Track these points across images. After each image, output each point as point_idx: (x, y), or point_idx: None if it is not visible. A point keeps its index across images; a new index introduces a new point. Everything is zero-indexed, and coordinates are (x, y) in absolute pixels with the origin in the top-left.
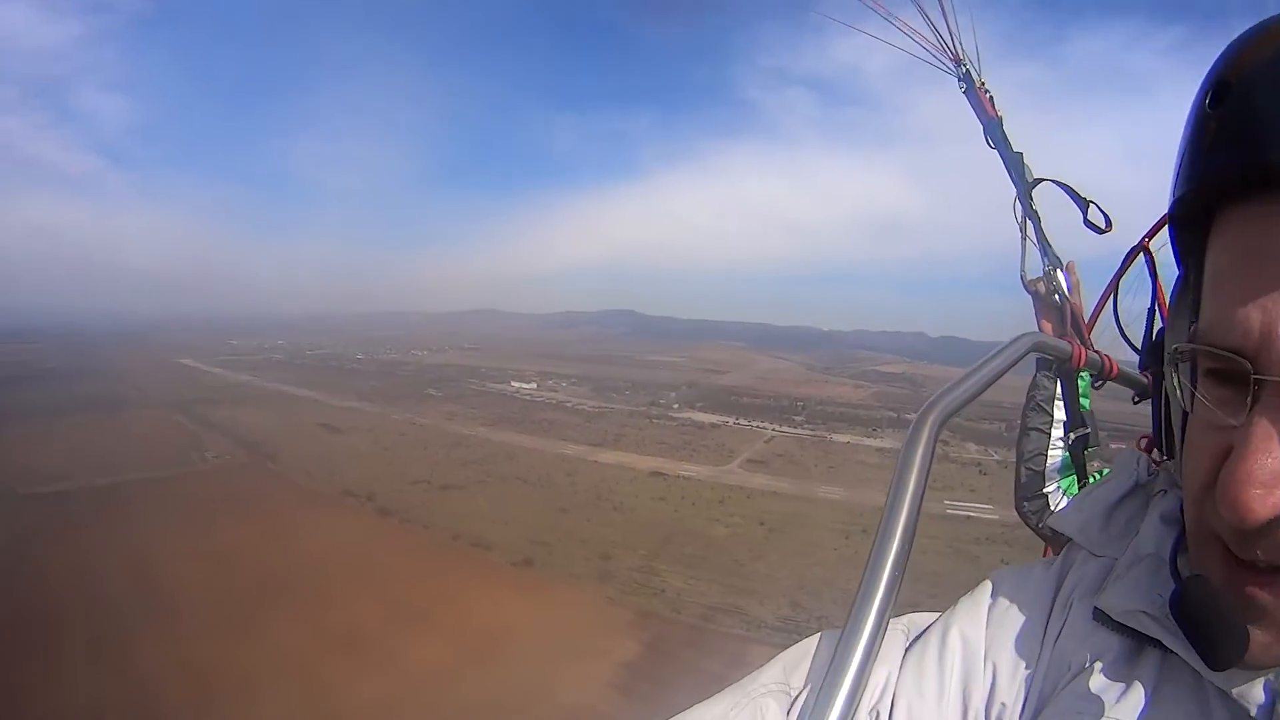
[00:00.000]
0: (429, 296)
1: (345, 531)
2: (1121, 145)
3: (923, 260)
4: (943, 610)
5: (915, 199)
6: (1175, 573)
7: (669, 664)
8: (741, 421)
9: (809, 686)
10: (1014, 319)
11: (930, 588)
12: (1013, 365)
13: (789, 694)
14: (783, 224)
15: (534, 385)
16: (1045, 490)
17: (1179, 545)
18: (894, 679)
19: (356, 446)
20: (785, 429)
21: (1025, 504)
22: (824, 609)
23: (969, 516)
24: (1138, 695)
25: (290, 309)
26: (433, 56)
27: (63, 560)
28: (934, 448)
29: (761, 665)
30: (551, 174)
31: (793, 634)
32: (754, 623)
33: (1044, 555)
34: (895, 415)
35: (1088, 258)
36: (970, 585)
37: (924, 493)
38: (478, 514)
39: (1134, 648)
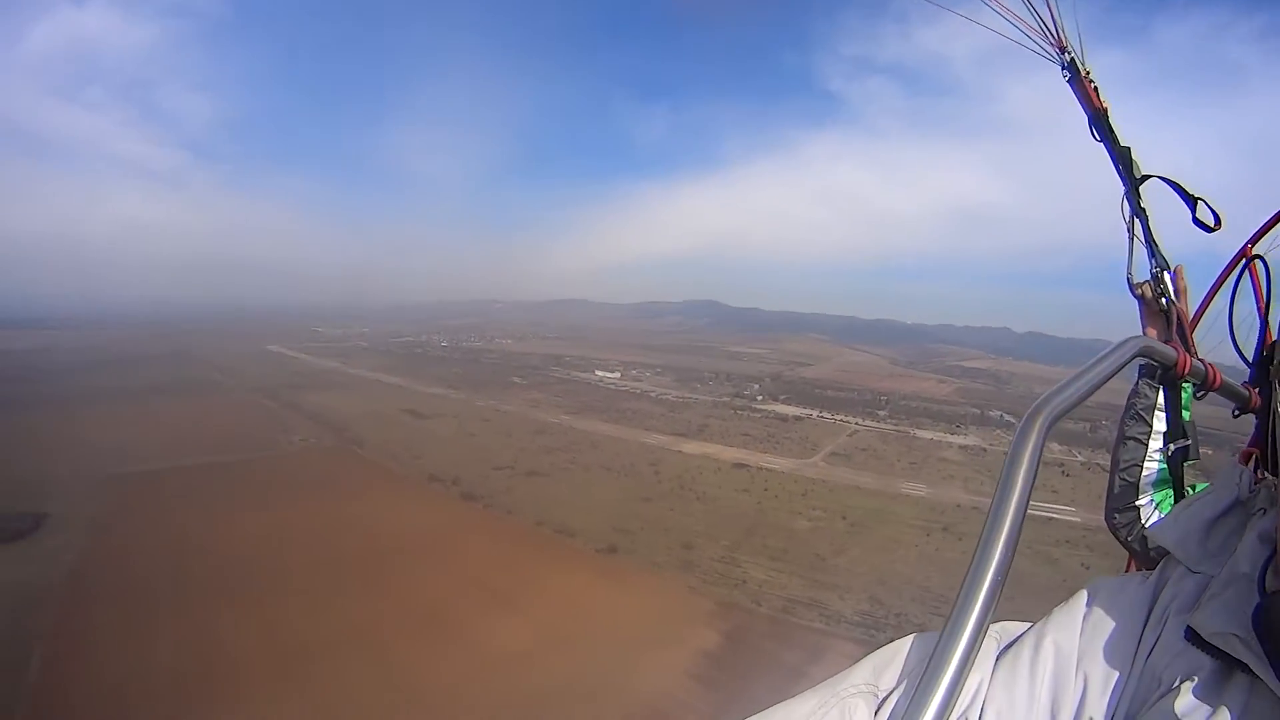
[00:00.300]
0: (513, 286)
1: (430, 515)
2: (1212, 139)
3: (1008, 254)
4: (1033, 618)
5: (1001, 191)
6: (1262, 589)
7: (748, 655)
8: (825, 415)
9: (899, 689)
10: (1102, 318)
11: (1006, 589)
12: (1121, 369)
13: (877, 695)
14: (867, 216)
15: (618, 374)
16: (1138, 502)
17: (1270, 563)
18: (985, 686)
19: (441, 432)
20: (869, 423)
21: (1116, 515)
22: (903, 607)
23: (1050, 518)
24: None
25: (375, 297)
26: (522, 45)
27: (151, 536)
28: (1041, 450)
29: (850, 664)
30: (638, 164)
31: (871, 630)
32: (833, 617)
33: (1128, 569)
34: (979, 412)
35: (1183, 254)
36: (1049, 588)
37: (1030, 497)
38: (561, 501)
39: (1224, 670)
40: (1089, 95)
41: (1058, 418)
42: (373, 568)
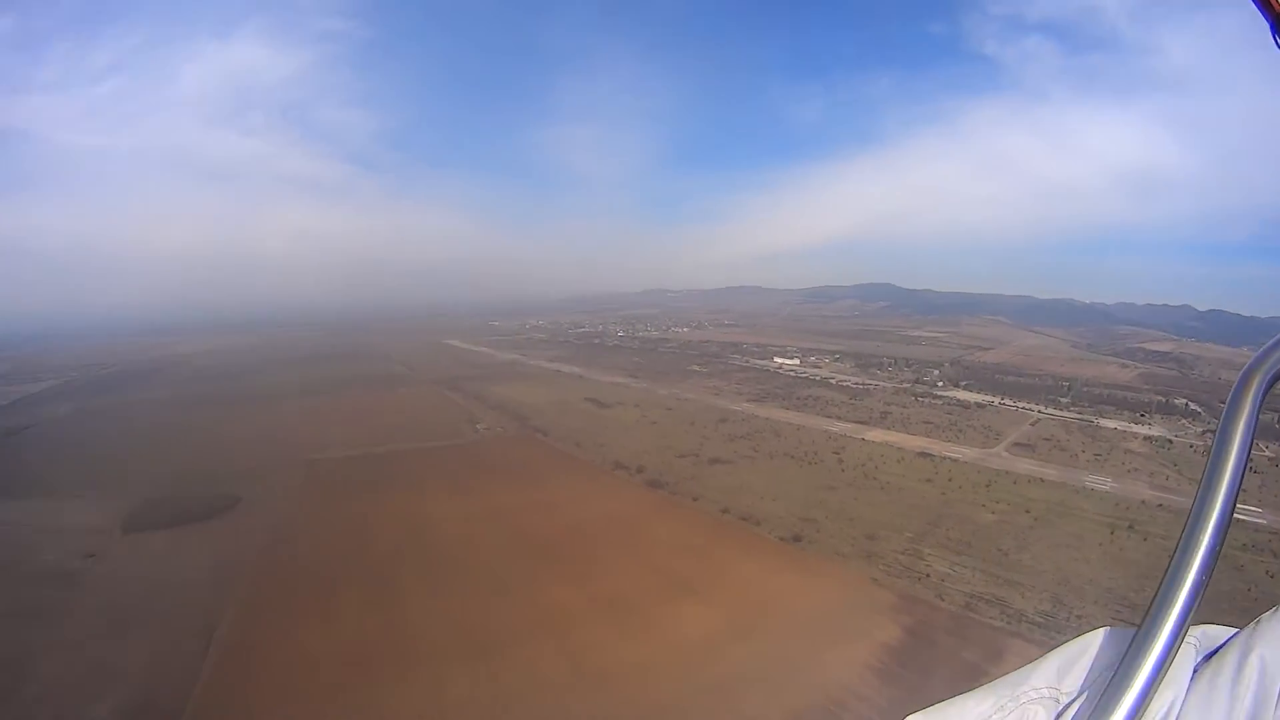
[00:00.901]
0: (683, 275)
1: (616, 501)
2: None
3: (1183, 223)
4: (1241, 624)
5: (1171, 152)
6: None
7: (928, 651)
8: (1007, 402)
9: (1084, 696)
10: None
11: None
12: None
13: (1058, 700)
14: (1033, 186)
15: (796, 361)
16: None
17: None
18: (1180, 700)
19: (624, 420)
20: (1051, 411)
21: None
22: (1085, 608)
23: (1235, 519)
24: None
25: (547, 291)
26: (668, 37)
27: (344, 519)
28: (1256, 421)
29: (1033, 661)
30: (797, 147)
31: (1051, 632)
32: (1015, 616)
33: None
34: (1164, 400)
35: None
36: (1232, 596)
37: (1243, 479)
38: (746, 489)
39: None
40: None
41: (1275, 380)
42: (560, 553)
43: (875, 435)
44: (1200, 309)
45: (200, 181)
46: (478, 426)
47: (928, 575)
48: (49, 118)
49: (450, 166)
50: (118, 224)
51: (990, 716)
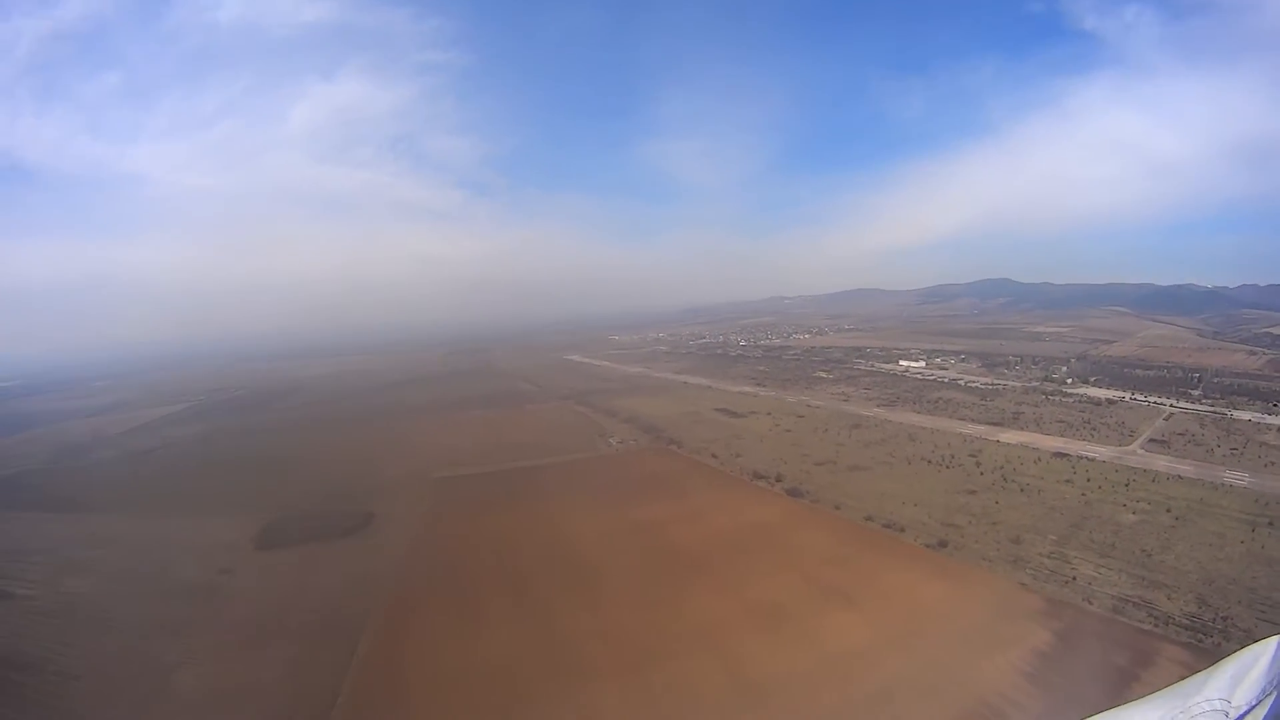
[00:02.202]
0: (798, 281)
1: (759, 511)
2: None
3: None
4: None
5: None
6: None
7: (1079, 656)
8: (1137, 397)
9: (1258, 709)
10: None
11: None
12: None
13: (1228, 715)
14: (1147, 165)
15: (922, 363)
16: None
17: None
18: None
19: (756, 429)
20: (1183, 404)
21: None
22: (1230, 609)
23: None
24: None
25: (665, 304)
26: (764, 42)
27: (482, 534)
28: None
29: (1203, 671)
30: (904, 143)
31: (1198, 634)
32: (1162, 619)
33: None
34: None
35: None
36: None
37: None
38: (887, 495)
39: None
40: None
41: None
42: (708, 563)
43: (1009, 436)
44: None
45: (316, 213)
46: (611, 440)
47: (1074, 579)
48: (162, 163)
49: (560, 186)
50: (240, 257)
51: None
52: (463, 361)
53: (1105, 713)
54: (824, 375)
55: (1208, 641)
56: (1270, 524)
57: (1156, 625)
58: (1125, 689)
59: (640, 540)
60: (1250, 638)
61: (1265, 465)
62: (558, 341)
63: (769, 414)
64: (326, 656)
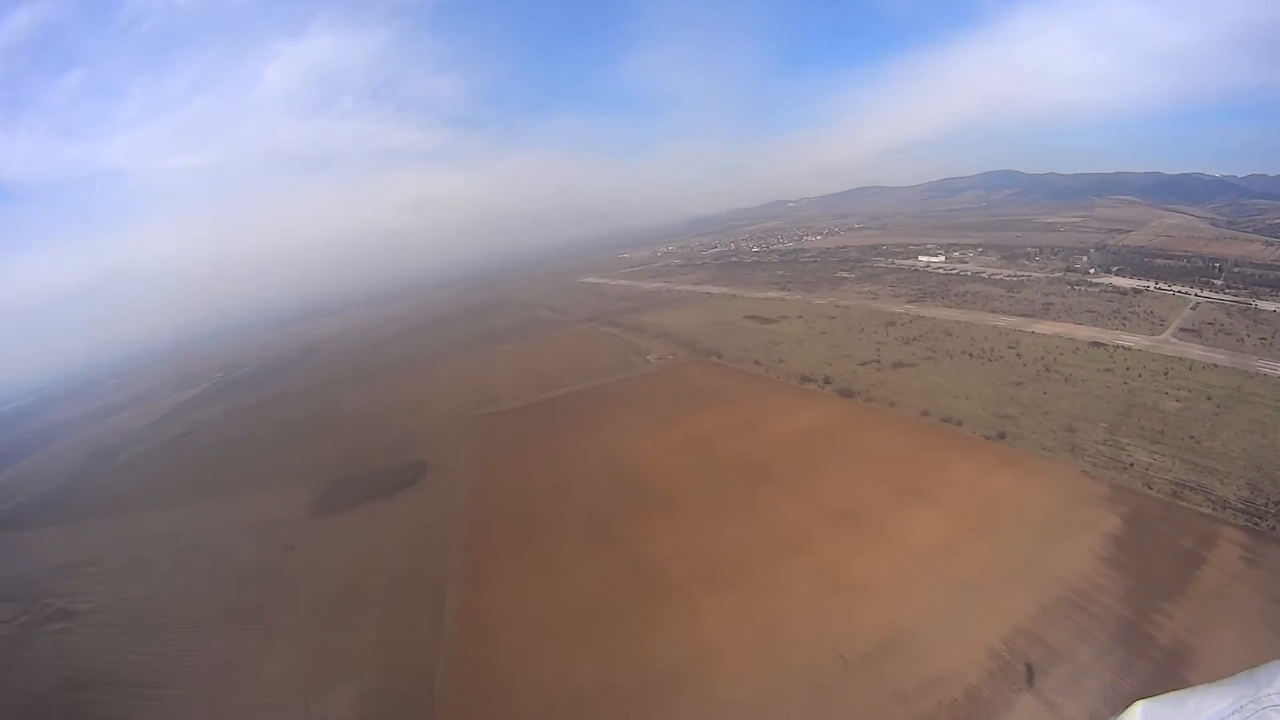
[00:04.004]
0: (801, 184)
1: (816, 414)
2: None
3: None
4: None
5: None
6: None
7: (1148, 539)
8: (1162, 286)
9: None
10: None
11: None
12: None
13: None
14: (1148, 53)
15: (941, 258)
16: None
17: None
18: None
19: (792, 333)
20: (1208, 294)
21: None
22: None
23: None
24: None
25: (669, 218)
26: None
27: (539, 468)
28: None
29: (1276, 660)
30: (896, 37)
31: (1254, 518)
32: (1219, 502)
33: None
34: None
35: None
36: None
37: None
38: (937, 390)
39: None
40: None
41: None
42: (775, 471)
43: (1044, 327)
44: None
45: (307, 172)
46: (648, 357)
47: (1131, 465)
48: (140, 151)
49: (549, 110)
50: (237, 230)
51: (1226, 718)
52: (476, 298)
53: (1174, 693)
54: (846, 275)
55: (1263, 525)
56: None
57: (1214, 509)
58: (1195, 570)
59: (701, 455)
60: None
61: None
62: (569, 266)
63: (800, 317)
64: (415, 618)
